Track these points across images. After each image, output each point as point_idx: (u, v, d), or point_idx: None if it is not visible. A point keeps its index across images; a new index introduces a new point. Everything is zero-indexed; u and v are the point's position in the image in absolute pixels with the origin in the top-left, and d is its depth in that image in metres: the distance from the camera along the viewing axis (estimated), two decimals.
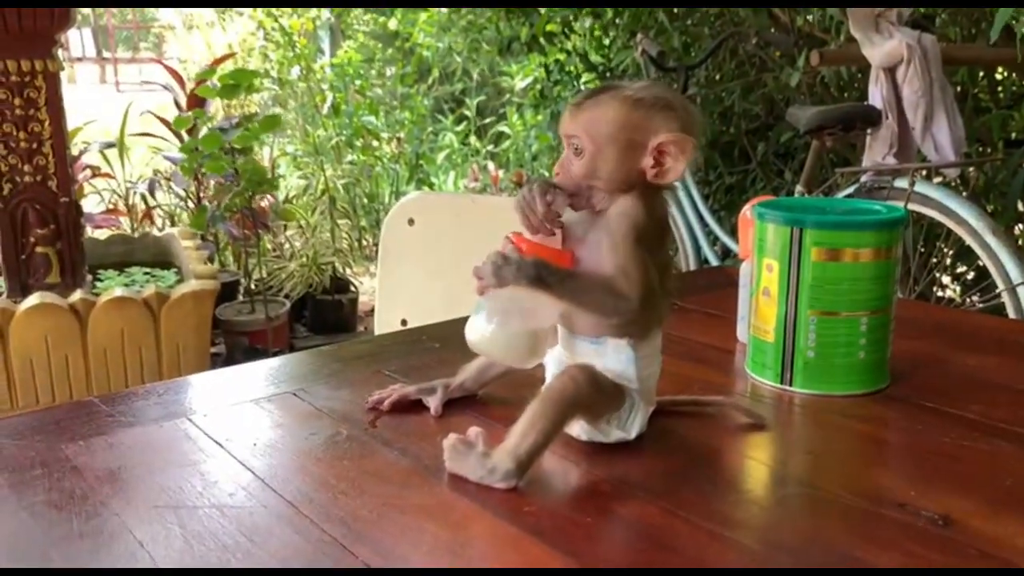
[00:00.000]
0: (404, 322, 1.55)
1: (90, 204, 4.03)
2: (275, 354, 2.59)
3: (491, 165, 4.95)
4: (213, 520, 0.63)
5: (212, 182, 3.62)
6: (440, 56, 5.38)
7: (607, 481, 0.69)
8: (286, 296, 3.44)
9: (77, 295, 2.45)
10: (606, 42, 3.92)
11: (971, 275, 2.77)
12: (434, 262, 1.57)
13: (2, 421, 0.80)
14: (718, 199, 3.38)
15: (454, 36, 5.21)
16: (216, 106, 4.62)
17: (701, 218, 2.70)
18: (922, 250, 2.33)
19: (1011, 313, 1.85)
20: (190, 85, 3.67)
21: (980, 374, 0.95)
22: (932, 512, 0.64)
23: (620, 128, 0.71)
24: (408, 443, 0.76)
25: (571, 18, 3.88)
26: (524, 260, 0.67)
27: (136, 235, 3.52)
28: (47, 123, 2.56)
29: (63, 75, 2.68)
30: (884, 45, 2.08)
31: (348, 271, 3.82)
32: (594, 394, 0.70)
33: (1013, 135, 2.75)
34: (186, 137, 3.41)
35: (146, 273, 3.13)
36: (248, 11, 6.01)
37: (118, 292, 2.49)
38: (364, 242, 4.84)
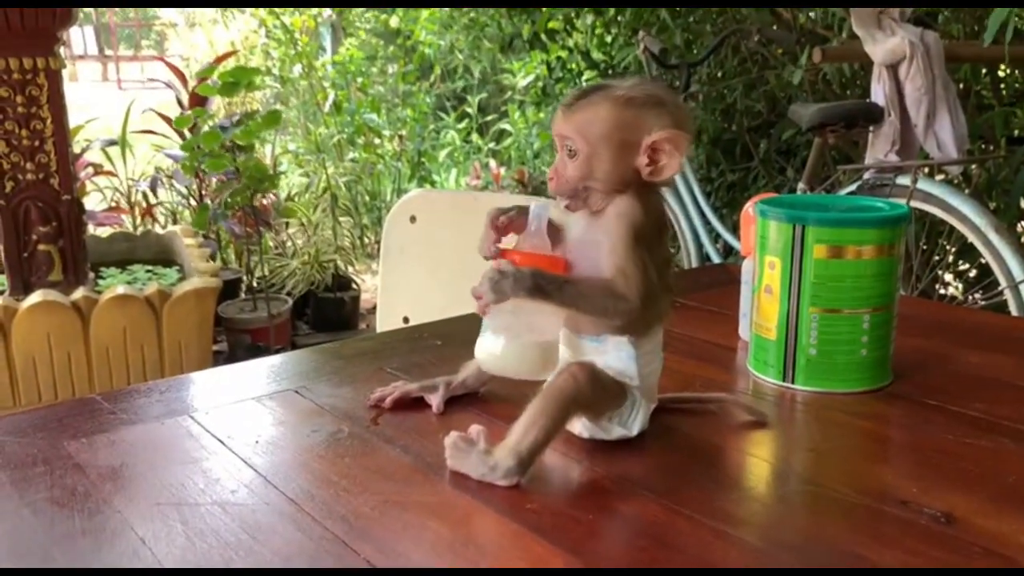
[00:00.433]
0: (406, 320, 1.55)
1: (92, 202, 4.04)
2: (277, 352, 2.59)
3: (493, 163, 4.95)
4: (215, 517, 0.63)
5: (214, 180, 3.62)
6: (442, 54, 5.38)
7: (609, 478, 0.69)
8: (288, 294, 3.44)
9: (79, 293, 2.46)
10: (608, 39, 3.92)
11: (973, 273, 2.77)
12: (436, 259, 1.57)
13: (4, 418, 0.80)
14: (720, 197, 3.38)
15: (456, 33, 5.21)
16: (218, 104, 4.62)
17: (703, 215, 2.70)
18: (924, 248, 2.33)
19: (1014, 310, 1.85)
20: (192, 83, 3.66)
21: (983, 372, 0.95)
22: (935, 509, 0.64)
23: (613, 128, 0.70)
24: (410, 440, 0.76)
25: (573, 15, 3.88)
26: (520, 271, 0.67)
27: (138, 233, 3.52)
28: (49, 121, 2.56)
29: (65, 73, 2.68)
30: (887, 42, 2.08)
31: (350, 269, 3.82)
32: (595, 391, 0.70)
33: (1016, 132, 2.75)
34: (188, 135, 3.41)
35: (148, 271, 3.14)
36: (250, 9, 6.01)
37: (120, 290, 2.50)
38: (366, 240, 4.84)
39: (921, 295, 2.26)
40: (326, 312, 3.61)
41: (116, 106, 4.90)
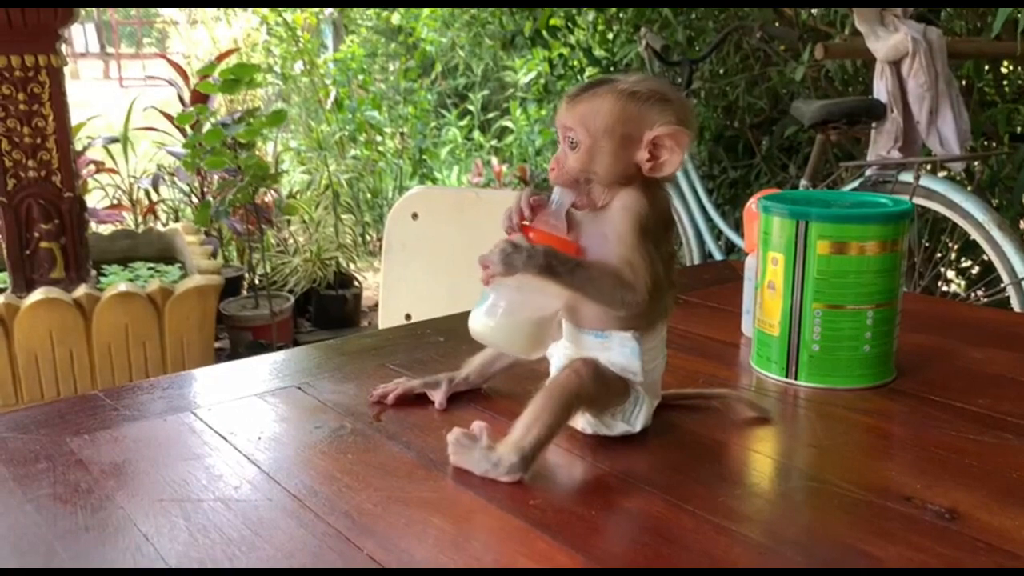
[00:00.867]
0: (408, 316, 1.55)
1: (94, 199, 4.04)
2: (279, 349, 2.60)
3: (495, 160, 4.95)
4: (218, 513, 0.63)
5: (216, 177, 3.62)
6: (443, 51, 5.38)
7: (612, 474, 0.69)
8: (290, 291, 3.44)
9: (81, 290, 2.46)
10: (610, 36, 3.91)
11: (976, 269, 2.77)
12: (438, 256, 1.57)
13: (7, 415, 0.80)
14: (722, 193, 3.37)
15: (457, 31, 5.20)
16: (220, 101, 4.62)
17: (705, 212, 2.69)
18: (927, 245, 2.33)
19: (1016, 307, 1.84)
20: (194, 80, 3.67)
21: (986, 368, 0.94)
22: (938, 505, 0.64)
23: (616, 121, 0.70)
24: (412, 437, 0.76)
25: (575, 12, 3.88)
26: (535, 248, 0.67)
27: (140, 230, 3.52)
28: (51, 118, 2.56)
29: (66, 70, 2.68)
30: (889, 39, 2.07)
31: (352, 266, 3.82)
32: (598, 388, 0.70)
33: (1019, 129, 2.75)
34: (190, 132, 3.41)
35: (150, 268, 3.14)
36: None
37: (122, 287, 2.50)
38: (367, 237, 4.84)
39: (923, 292, 2.26)
40: (328, 309, 3.61)
41: (118, 103, 4.91)
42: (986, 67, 2.74)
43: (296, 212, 3.91)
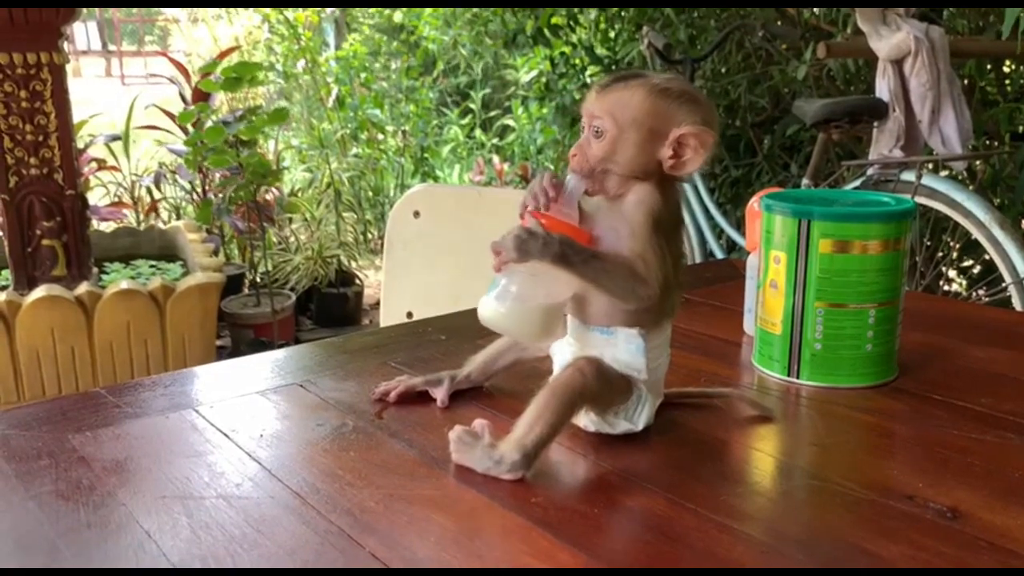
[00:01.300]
0: (410, 315, 1.55)
1: (96, 197, 4.04)
2: (280, 347, 2.60)
3: (496, 158, 4.95)
4: (220, 511, 0.63)
5: (217, 175, 3.62)
6: (445, 49, 5.38)
7: (614, 473, 0.69)
8: (291, 289, 3.44)
9: (83, 287, 2.46)
10: (612, 35, 3.91)
11: (977, 269, 2.77)
12: (439, 255, 1.57)
13: (9, 412, 0.80)
14: (724, 192, 3.37)
15: (459, 29, 5.20)
16: (221, 99, 4.62)
17: (707, 211, 2.69)
18: (928, 244, 2.33)
19: (1018, 306, 1.84)
20: (195, 78, 3.67)
21: (988, 367, 0.94)
22: (940, 504, 0.64)
23: (645, 114, 0.70)
24: (415, 434, 0.76)
25: (576, 11, 3.88)
26: (550, 236, 0.67)
27: (142, 228, 3.53)
28: (53, 116, 2.56)
29: (68, 68, 2.68)
30: (891, 38, 2.07)
31: (353, 264, 3.82)
32: (601, 386, 0.70)
33: (1020, 128, 2.74)
34: (191, 130, 3.41)
35: (152, 266, 3.14)
36: None
37: (124, 285, 2.50)
38: (369, 235, 4.84)
39: (925, 291, 2.26)
40: (329, 307, 3.61)
41: (119, 101, 4.91)
42: (988, 66, 2.73)
43: (298, 210, 3.92)
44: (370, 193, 4.92)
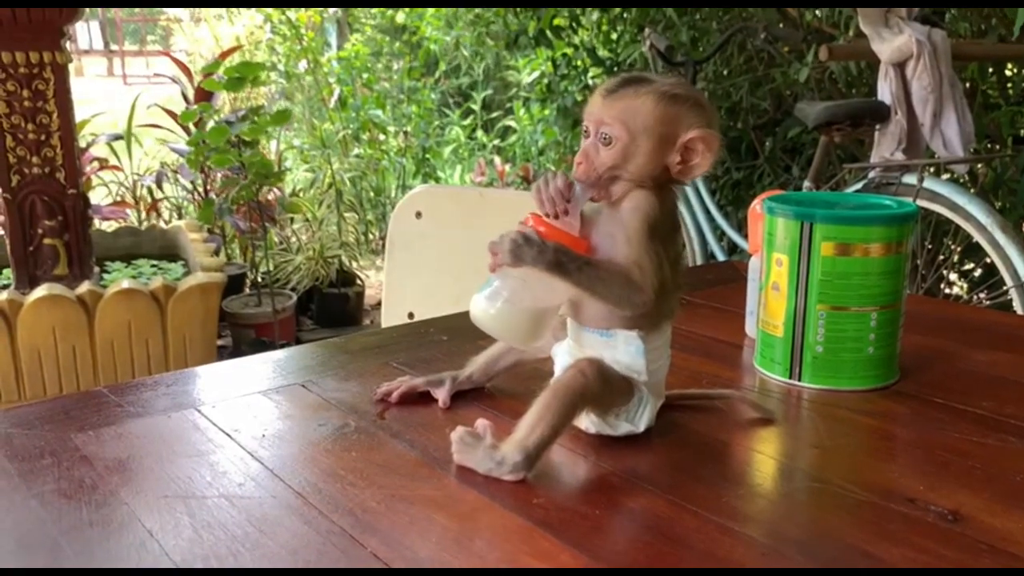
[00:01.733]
0: (411, 315, 1.55)
1: (97, 196, 4.04)
2: (281, 347, 2.60)
3: (497, 159, 4.95)
4: (222, 510, 0.63)
5: (219, 175, 3.63)
6: (447, 50, 5.38)
7: (616, 474, 0.69)
8: (292, 289, 3.45)
9: (84, 287, 2.46)
10: (614, 36, 3.91)
11: (978, 272, 2.76)
12: (441, 255, 1.57)
13: (11, 411, 0.81)
14: (725, 195, 3.37)
15: (461, 30, 5.21)
16: (223, 99, 4.62)
17: (708, 213, 2.69)
18: (929, 247, 2.33)
19: (1019, 310, 1.84)
20: (197, 78, 3.67)
21: (990, 370, 0.94)
22: (941, 507, 0.64)
23: (656, 121, 0.70)
24: (416, 435, 0.76)
25: (579, 12, 3.88)
26: (546, 244, 0.67)
27: (143, 227, 3.53)
28: (55, 115, 2.56)
29: (71, 68, 2.68)
30: (894, 40, 2.07)
31: (354, 264, 3.82)
32: (603, 387, 0.70)
33: (1022, 131, 2.74)
34: (193, 130, 3.42)
35: (153, 265, 3.15)
36: None
37: (125, 284, 2.50)
38: (370, 236, 4.85)
39: (926, 294, 2.26)
40: (330, 308, 3.61)
41: (121, 101, 4.91)
42: (990, 69, 2.73)
43: (299, 210, 3.92)
44: (372, 194, 4.92)
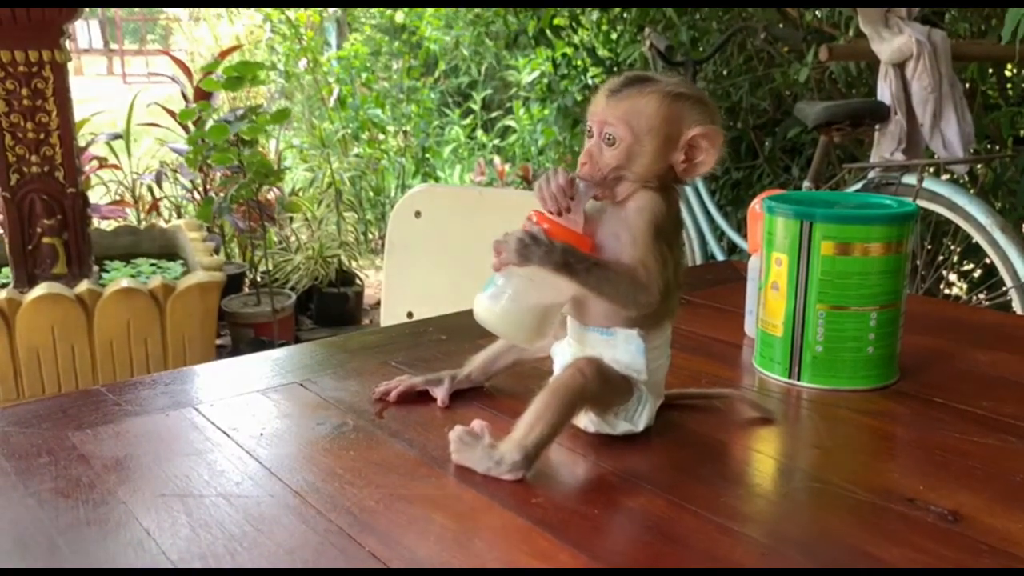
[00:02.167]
0: (410, 315, 1.55)
1: (96, 195, 4.04)
2: (280, 346, 2.60)
3: (497, 159, 4.95)
4: (220, 509, 0.62)
5: (218, 174, 3.62)
6: (447, 49, 5.38)
7: (615, 473, 0.69)
8: (292, 288, 3.44)
9: (83, 286, 2.46)
10: (613, 36, 3.91)
11: (978, 272, 2.76)
12: (441, 255, 1.57)
13: (9, 409, 0.80)
14: (725, 194, 3.37)
15: (461, 29, 5.20)
16: (223, 98, 4.62)
17: (708, 213, 2.69)
18: (929, 247, 2.33)
19: (1019, 310, 1.84)
20: (197, 77, 3.67)
21: (990, 370, 0.94)
22: (941, 507, 0.64)
23: (661, 121, 0.70)
24: (415, 434, 0.76)
25: (579, 12, 3.88)
26: (553, 244, 0.66)
27: (142, 226, 3.53)
28: (54, 114, 2.56)
29: (70, 66, 2.68)
30: (894, 41, 2.07)
31: (353, 264, 3.82)
32: (602, 386, 0.70)
33: (1022, 132, 2.74)
34: (192, 129, 3.42)
35: (152, 264, 3.14)
36: None
37: (124, 283, 2.50)
38: (369, 235, 4.85)
39: (926, 295, 2.26)
40: (329, 307, 3.61)
41: (121, 100, 4.91)
42: (990, 70, 2.73)
43: (298, 209, 3.92)
44: (371, 193, 4.92)
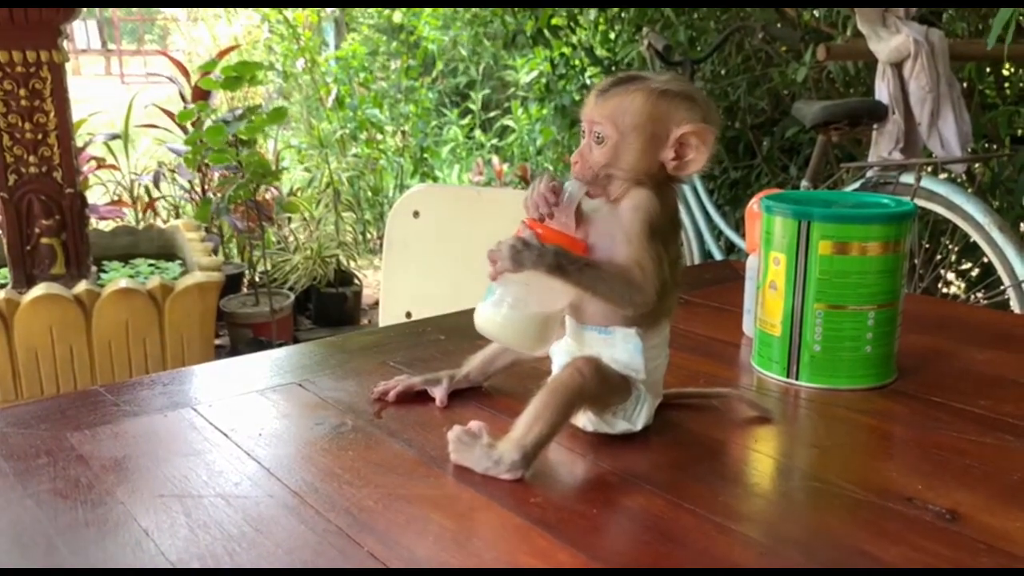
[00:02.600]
0: (408, 315, 1.55)
1: (95, 195, 4.04)
2: (279, 346, 2.59)
3: (495, 159, 4.94)
4: (218, 509, 0.62)
5: (216, 174, 3.62)
6: (445, 49, 5.37)
7: (613, 473, 0.69)
8: (290, 289, 3.44)
9: (82, 286, 2.46)
10: (612, 36, 3.91)
11: (976, 271, 2.77)
12: (439, 255, 1.57)
13: (8, 410, 0.80)
14: (723, 194, 3.37)
15: (459, 29, 5.20)
16: (221, 98, 4.62)
17: (706, 213, 2.69)
18: (927, 246, 2.33)
19: (1017, 309, 1.84)
20: (195, 77, 3.67)
21: (987, 369, 0.94)
22: (939, 506, 0.64)
23: (646, 119, 0.70)
24: (413, 434, 0.76)
25: (577, 11, 3.88)
26: (545, 247, 0.67)
27: (140, 227, 3.52)
28: (52, 114, 2.56)
29: (68, 67, 2.68)
30: (891, 40, 2.07)
31: (352, 264, 3.82)
32: (600, 386, 0.70)
33: (1019, 131, 2.74)
34: (191, 129, 3.42)
35: (150, 265, 3.14)
36: None
37: (123, 283, 2.50)
38: (368, 235, 4.84)
39: (923, 294, 2.26)
40: (328, 307, 3.61)
41: (119, 100, 4.91)
42: (987, 69, 2.74)
43: (297, 210, 3.92)
44: (369, 193, 4.92)
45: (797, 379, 0.88)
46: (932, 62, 2.03)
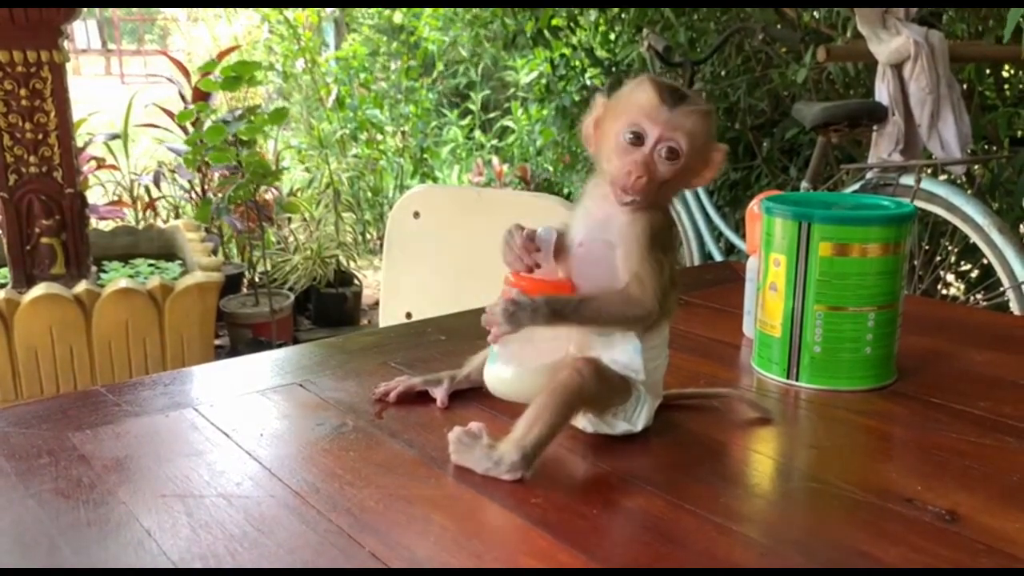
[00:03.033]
0: (409, 315, 1.55)
1: (95, 196, 4.04)
2: (279, 346, 2.59)
3: (495, 160, 4.95)
4: (220, 509, 0.63)
5: (216, 174, 3.62)
6: (445, 50, 5.38)
7: (613, 474, 0.69)
8: (290, 289, 3.44)
9: (82, 286, 2.46)
10: (612, 37, 3.91)
11: (975, 273, 2.77)
12: (439, 255, 1.57)
13: (9, 410, 0.80)
14: (723, 195, 3.37)
15: (459, 30, 5.20)
16: (221, 99, 4.62)
17: (706, 214, 2.70)
18: (927, 248, 2.33)
19: (1016, 310, 1.84)
20: (195, 77, 3.67)
21: (987, 370, 0.95)
22: (939, 507, 0.64)
23: (707, 139, 0.71)
24: (414, 434, 0.76)
25: (577, 12, 3.88)
26: (536, 300, 0.67)
27: (140, 227, 3.52)
28: (52, 114, 2.56)
29: (68, 67, 2.68)
30: (891, 42, 2.08)
31: (352, 264, 3.82)
32: (600, 387, 0.70)
33: (1019, 133, 2.75)
34: (190, 129, 3.42)
35: (150, 265, 3.14)
36: None
37: (123, 283, 2.50)
38: (368, 235, 4.85)
39: (923, 295, 2.26)
40: (328, 307, 3.61)
41: (119, 100, 4.91)
42: (987, 71, 2.74)
43: (297, 210, 3.92)
44: (369, 193, 4.92)
45: (797, 380, 0.89)
46: (932, 63, 2.04)
